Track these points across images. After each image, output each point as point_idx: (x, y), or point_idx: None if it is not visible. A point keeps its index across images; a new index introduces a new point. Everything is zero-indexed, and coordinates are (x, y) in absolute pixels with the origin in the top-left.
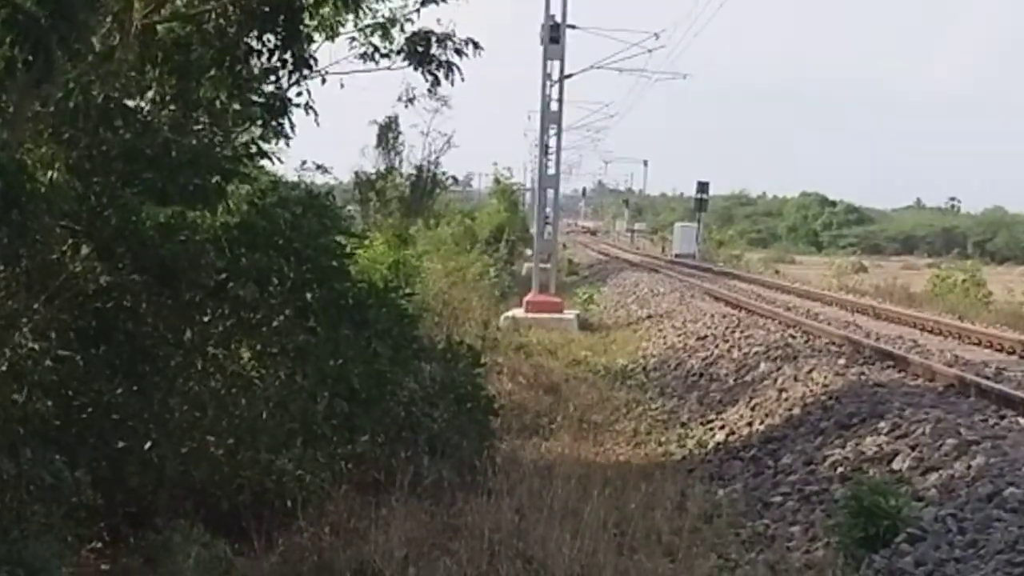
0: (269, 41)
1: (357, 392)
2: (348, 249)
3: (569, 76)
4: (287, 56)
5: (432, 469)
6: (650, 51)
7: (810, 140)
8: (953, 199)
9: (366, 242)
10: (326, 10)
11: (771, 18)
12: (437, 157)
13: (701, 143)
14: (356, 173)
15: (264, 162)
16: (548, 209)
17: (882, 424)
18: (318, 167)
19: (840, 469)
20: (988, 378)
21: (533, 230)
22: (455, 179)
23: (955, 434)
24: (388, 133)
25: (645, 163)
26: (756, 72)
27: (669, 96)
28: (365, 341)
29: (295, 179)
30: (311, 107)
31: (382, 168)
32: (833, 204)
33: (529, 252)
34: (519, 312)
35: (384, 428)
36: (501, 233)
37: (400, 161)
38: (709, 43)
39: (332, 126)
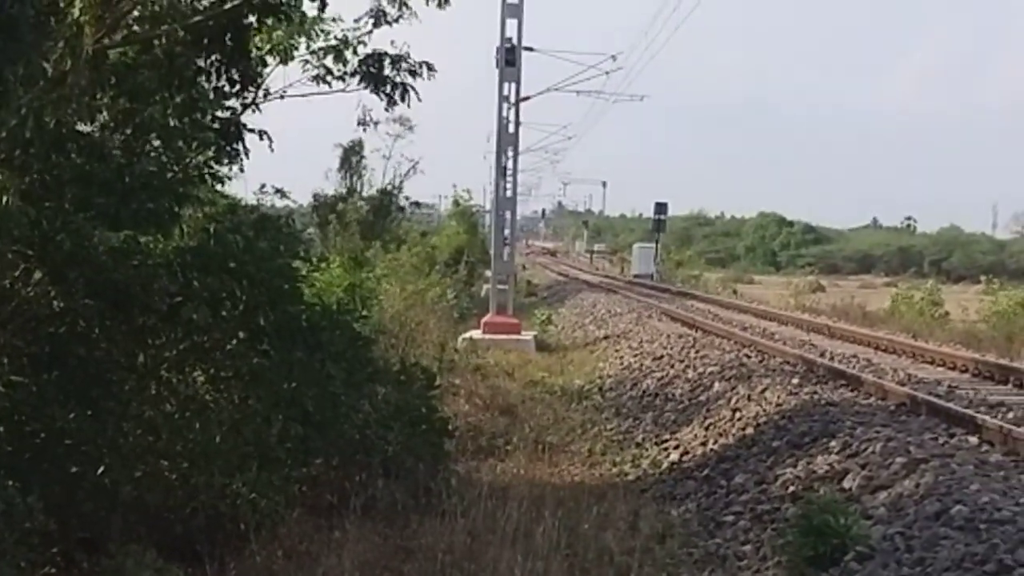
0: (217, 60)
1: (311, 415)
2: (302, 272)
3: (526, 98)
4: (234, 75)
5: (386, 491)
6: (607, 73)
7: (768, 160)
8: (909, 218)
9: (323, 265)
10: (279, 33)
11: (728, 39)
12: (401, 181)
13: (660, 164)
14: (315, 196)
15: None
16: (507, 231)
17: (833, 443)
18: (277, 191)
19: (791, 488)
20: (939, 396)
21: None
22: (417, 203)
23: (904, 452)
24: (351, 156)
25: (604, 184)
26: (714, 93)
27: (627, 118)
28: (319, 364)
29: (254, 202)
30: (264, 132)
31: (343, 191)
32: (791, 224)
33: (489, 274)
34: (477, 334)
35: (338, 451)
36: (460, 255)
37: (362, 184)
38: (667, 64)
39: (299, 149)
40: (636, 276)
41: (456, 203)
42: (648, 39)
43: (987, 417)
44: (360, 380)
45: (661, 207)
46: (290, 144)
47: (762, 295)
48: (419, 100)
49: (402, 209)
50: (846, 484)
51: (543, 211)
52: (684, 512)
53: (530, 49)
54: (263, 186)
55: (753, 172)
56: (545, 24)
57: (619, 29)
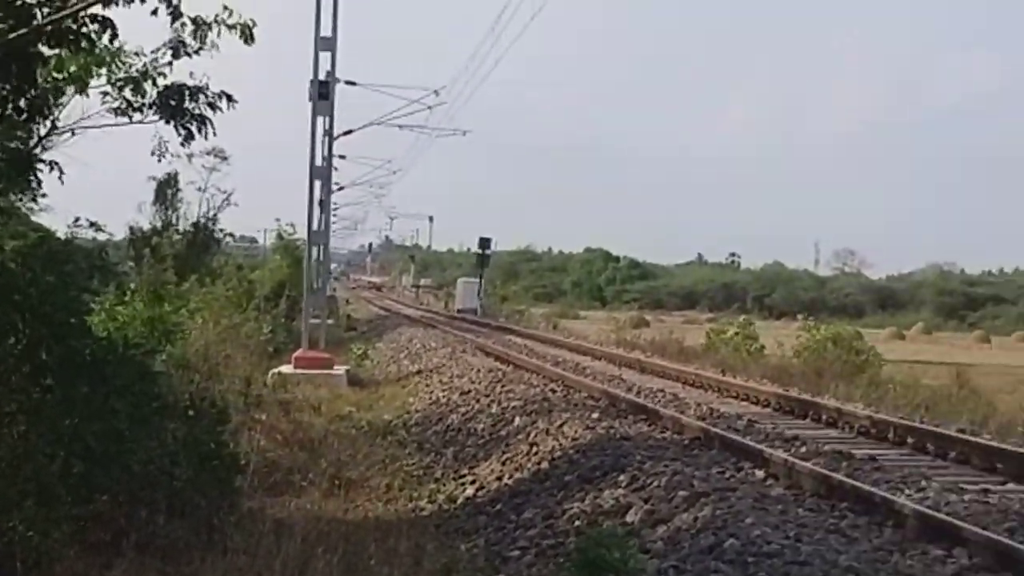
0: (3, 89)
1: (93, 450)
2: (90, 305)
3: (348, 132)
4: (22, 105)
5: (168, 528)
6: (430, 107)
7: (594, 197)
8: (733, 255)
9: (126, 298)
10: (74, 64)
11: (555, 76)
12: (215, 214)
13: (487, 199)
14: (131, 228)
15: (35, 217)
16: (335, 264)
17: (622, 477)
18: (91, 224)
19: (577, 523)
20: (736, 431)
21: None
22: (232, 236)
23: (688, 486)
24: (167, 189)
25: (431, 219)
26: (540, 129)
27: (453, 152)
28: (103, 398)
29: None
30: (55, 163)
31: (158, 224)
32: (617, 260)
33: None
34: (287, 368)
35: (123, 487)
36: (283, 289)
37: (177, 218)
38: (492, 101)
39: (117, 181)
40: (460, 311)
41: (280, 236)
42: (469, 74)
43: (774, 451)
44: (146, 415)
45: (485, 242)
46: (107, 176)
47: (585, 330)
48: (215, 134)
49: (218, 242)
50: (629, 518)
51: (370, 245)
52: (472, 547)
53: (352, 83)
54: (77, 219)
55: (580, 209)
56: (369, 58)
57: (442, 65)
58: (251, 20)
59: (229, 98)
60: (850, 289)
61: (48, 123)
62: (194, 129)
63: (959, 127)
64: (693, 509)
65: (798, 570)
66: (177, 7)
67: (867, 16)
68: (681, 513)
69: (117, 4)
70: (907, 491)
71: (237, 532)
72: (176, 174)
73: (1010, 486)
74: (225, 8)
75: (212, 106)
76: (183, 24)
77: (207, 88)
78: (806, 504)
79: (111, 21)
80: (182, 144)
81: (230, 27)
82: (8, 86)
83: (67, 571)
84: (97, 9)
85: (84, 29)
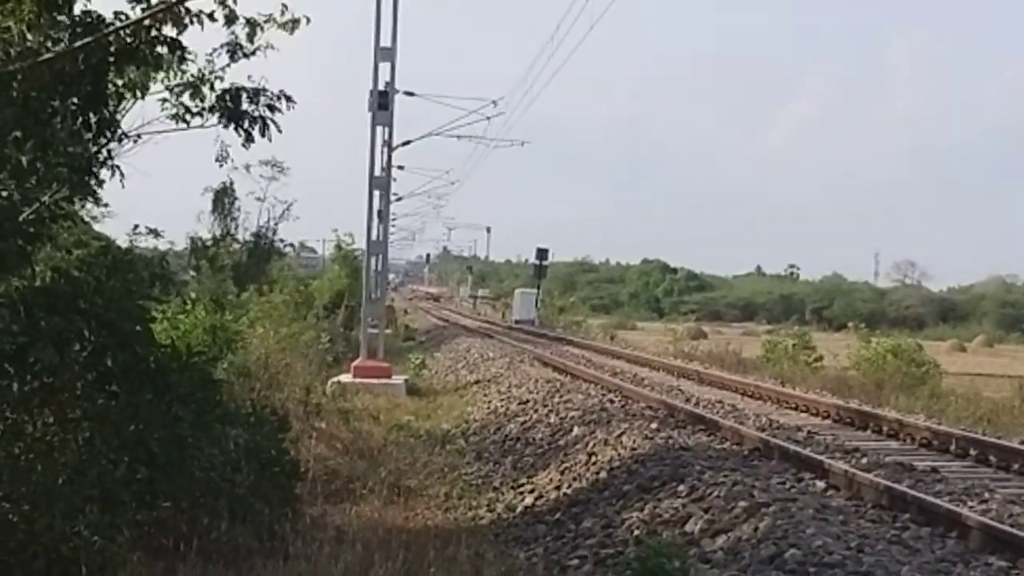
0: (74, 103)
1: (157, 457)
2: (154, 314)
3: (407, 143)
4: (91, 117)
5: (229, 533)
6: (488, 118)
7: (651, 207)
8: (792, 266)
9: (188, 308)
10: (134, 73)
11: (613, 87)
12: (275, 224)
13: (544, 209)
14: (191, 239)
15: (98, 226)
16: (392, 275)
17: (681, 487)
18: (151, 231)
19: (636, 532)
20: (797, 442)
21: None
22: (292, 246)
23: (748, 496)
24: (224, 199)
25: (488, 230)
26: (598, 140)
27: (511, 163)
28: (166, 406)
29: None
30: (117, 167)
31: (218, 234)
32: (674, 271)
33: None
34: (346, 378)
35: (186, 493)
36: (341, 299)
37: (236, 227)
38: (549, 110)
39: (178, 190)
40: (517, 322)
41: (338, 247)
42: (528, 84)
43: (834, 462)
44: (208, 422)
45: (543, 253)
46: (170, 185)
47: (642, 341)
48: (279, 132)
49: (279, 252)
50: (688, 528)
51: (428, 256)
52: (531, 556)
53: (410, 94)
54: (136, 227)
55: (638, 220)
56: (428, 70)
57: (501, 76)
58: (305, 16)
59: (288, 99)
60: (910, 301)
61: (112, 135)
62: (255, 131)
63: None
64: (753, 519)
65: None
66: (233, 10)
67: (925, 24)
68: (741, 523)
69: (191, 24)
70: (970, 503)
71: (298, 539)
72: (232, 184)
73: None
74: (283, 7)
75: (272, 107)
76: (240, 25)
77: (265, 90)
78: (867, 515)
79: (180, 43)
80: (244, 145)
81: (281, 25)
82: (79, 100)
83: None
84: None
85: (155, 51)
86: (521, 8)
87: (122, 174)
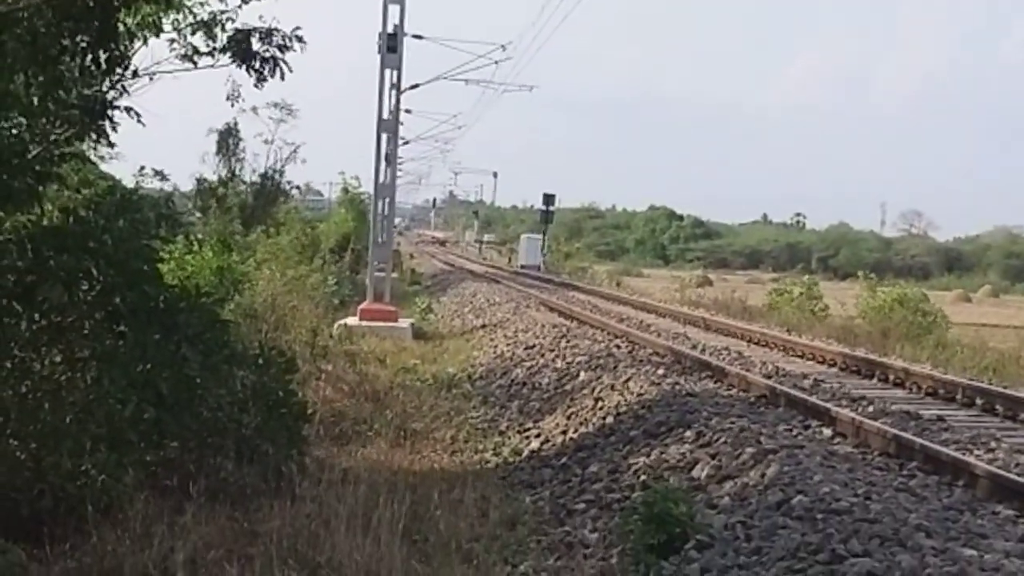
0: (83, 41)
1: (165, 397)
2: (162, 253)
3: (415, 86)
4: (101, 55)
5: (236, 474)
6: (496, 63)
7: (659, 154)
8: (799, 215)
9: (194, 248)
10: (147, 9)
11: (621, 35)
12: (282, 166)
13: (551, 155)
14: (197, 180)
15: (104, 166)
16: (399, 219)
17: (688, 433)
18: (156, 173)
19: (643, 477)
20: (803, 389)
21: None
22: (299, 188)
23: (755, 443)
24: (228, 140)
25: (495, 175)
26: (606, 87)
27: (519, 108)
28: (174, 346)
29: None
30: (131, 109)
31: (223, 175)
32: (681, 218)
33: None
34: (353, 320)
35: (193, 433)
36: (348, 242)
37: (241, 168)
38: (558, 57)
39: (184, 132)
40: (523, 267)
41: (345, 190)
42: (536, 29)
43: (841, 409)
44: (216, 363)
45: (549, 198)
46: (173, 127)
47: (648, 288)
48: (290, 71)
49: (286, 194)
50: (695, 473)
51: (434, 200)
52: (537, 500)
53: (419, 37)
54: (142, 168)
55: (645, 166)
56: (437, 13)
57: (508, 24)
58: None
59: (299, 39)
60: (916, 251)
61: (123, 73)
62: (267, 71)
63: None
64: (760, 466)
65: (868, 527)
66: None
67: None
68: (748, 470)
69: None
70: (976, 451)
71: (304, 480)
72: (236, 124)
73: None
74: None
75: (283, 48)
76: None
77: (277, 30)
78: (874, 463)
79: None
80: (256, 86)
81: None
82: (88, 38)
83: (137, 515)
84: None
85: None
86: None
87: (138, 114)
